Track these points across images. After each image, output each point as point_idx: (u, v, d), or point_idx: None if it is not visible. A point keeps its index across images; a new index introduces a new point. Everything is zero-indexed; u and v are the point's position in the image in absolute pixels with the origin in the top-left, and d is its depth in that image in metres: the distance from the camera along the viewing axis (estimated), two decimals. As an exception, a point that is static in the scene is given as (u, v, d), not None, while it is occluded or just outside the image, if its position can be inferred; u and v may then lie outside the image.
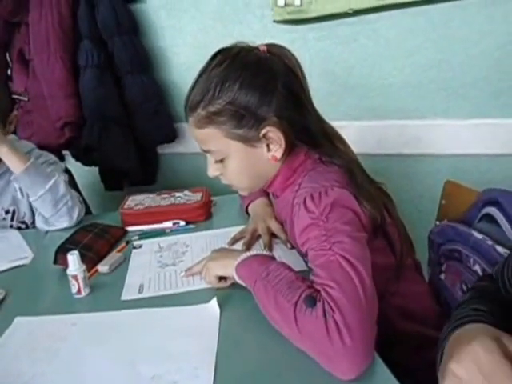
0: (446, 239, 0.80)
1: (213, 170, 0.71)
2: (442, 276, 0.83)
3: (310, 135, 0.68)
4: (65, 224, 0.98)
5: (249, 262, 0.63)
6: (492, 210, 0.73)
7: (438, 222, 0.89)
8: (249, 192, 0.78)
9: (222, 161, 0.68)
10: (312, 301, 0.51)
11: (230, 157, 0.67)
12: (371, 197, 0.63)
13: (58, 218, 0.97)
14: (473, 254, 0.73)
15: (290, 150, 0.68)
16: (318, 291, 0.52)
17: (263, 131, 0.65)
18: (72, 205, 0.98)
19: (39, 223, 1.01)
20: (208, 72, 0.66)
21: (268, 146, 0.67)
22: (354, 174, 0.65)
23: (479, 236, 0.72)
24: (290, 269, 0.58)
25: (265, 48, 0.68)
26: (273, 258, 0.63)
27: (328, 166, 0.67)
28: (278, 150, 0.66)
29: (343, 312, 0.48)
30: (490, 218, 0.73)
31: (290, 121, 0.66)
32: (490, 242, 0.70)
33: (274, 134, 0.65)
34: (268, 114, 0.64)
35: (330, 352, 0.48)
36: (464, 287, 0.76)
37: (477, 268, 0.72)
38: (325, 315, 0.49)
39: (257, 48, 0.68)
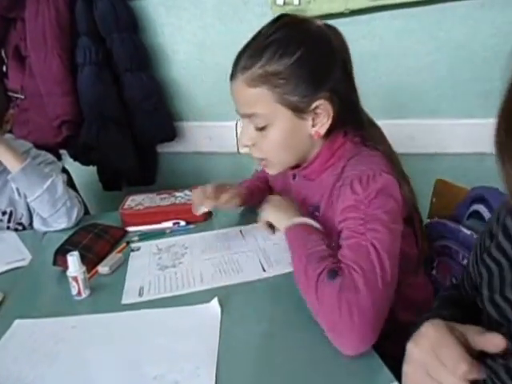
0: (437, 236, 0.82)
1: (247, 139, 0.68)
2: (434, 272, 0.86)
3: (357, 115, 0.68)
4: (63, 225, 0.96)
5: (298, 228, 0.65)
6: (480, 208, 0.75)
7: (429, 220, 0.91)
8: (278, 170, 0.73)
9: (262, 129, 0.66)
10: (333, 274, 0.54)
11: (274, 124, 0.65)
12: (409, 183, 0.66)
13: (56, 218, 0.95)
14: (462, 249, 0.76)
15: (329, 132, 0.67)
16: (341, 268, 0.55)
17: (316, 103, 0.63)
18: (71, 205, 0.96)
19: (37, 224, 0.98)
20: (270, 32, 0.63)
21: (313, 120, 0.65)
22: (396, 159, 0.67)
23: (467, 232, 0.75)
24: (323, 242, 0.61)
25: (322, 24, 0.66)
26: (316, 229, 0.65)
27: (371, 150, 0.67)
28: (323, 126, 0.65)
29: (358, 294, 0.51)
30: (478, 215, 0.76)
31: (343, 97, 0.65)
32: (477, 238, 0.73)
33: (324, 107, 0.64)
34: (325, 85, 0.63)
35: (337, 323, 0.51)
36: (453, 280, 0.79)
37: (465, 262, 0.75)
38: (340, 290, 0.52)
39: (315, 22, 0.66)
